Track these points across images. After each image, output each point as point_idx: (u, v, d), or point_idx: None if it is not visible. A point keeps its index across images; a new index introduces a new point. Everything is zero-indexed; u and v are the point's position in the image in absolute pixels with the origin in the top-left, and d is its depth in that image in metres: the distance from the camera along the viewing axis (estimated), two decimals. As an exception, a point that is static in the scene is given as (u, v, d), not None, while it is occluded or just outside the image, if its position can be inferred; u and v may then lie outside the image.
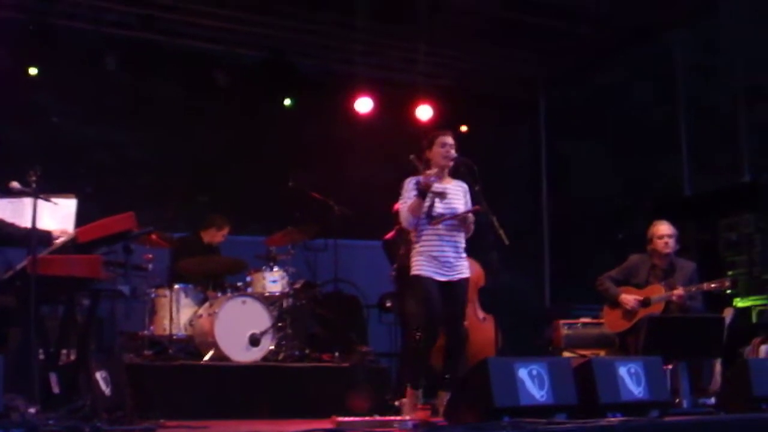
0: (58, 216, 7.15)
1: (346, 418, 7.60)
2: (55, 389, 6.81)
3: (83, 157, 12.54)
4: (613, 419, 7.32)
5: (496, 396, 6.88)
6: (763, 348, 10.07)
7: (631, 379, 7.63)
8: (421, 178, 8.17)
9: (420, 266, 8.23)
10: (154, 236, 10.41)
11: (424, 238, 8.26)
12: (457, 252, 8.31)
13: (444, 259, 8.20)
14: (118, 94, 12.83)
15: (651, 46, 14.51)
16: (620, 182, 15.06)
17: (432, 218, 8.18)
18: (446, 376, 8.35)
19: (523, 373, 7.07)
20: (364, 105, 14.31)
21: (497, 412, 6.83)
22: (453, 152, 8.30)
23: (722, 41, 13.99)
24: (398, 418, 7.82)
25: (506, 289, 12.00)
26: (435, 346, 8.34)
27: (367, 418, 7.87)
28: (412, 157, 8.48)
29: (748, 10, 13.36)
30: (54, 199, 6.96)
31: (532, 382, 7.08)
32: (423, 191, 8.07)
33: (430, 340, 8.20)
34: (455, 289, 8.26)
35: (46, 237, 6.82)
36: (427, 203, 8.14)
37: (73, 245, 6.77)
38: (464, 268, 8.35)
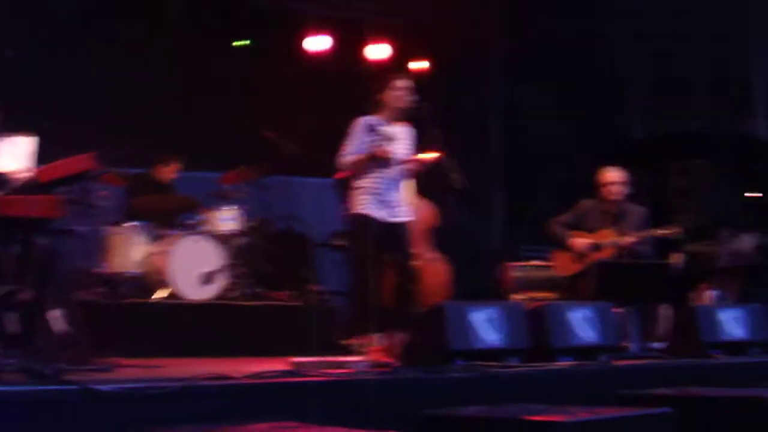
0: (17, 155, 7.13)
1: (303, 359, 7.66)
2: (13, 328, 6.79)
3: (38, 92, 12.41)
4: (564, 363, 7.50)
5: (450, 339, 7.03)
6: (710, 294, 10.27)
7: (582, 323, 7.79)
8: (373, 120, 8.20)
9: (363, 205, 8.26)
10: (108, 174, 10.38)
11: (371, 177, 8.26)
12: (400, 195, 8.37)
13: (388, 201, 8.25)
14: (71, 29, 12.66)
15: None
16: (572, 124, 15.15)
17: (380, 160, 8.18)
18: (399, 316, 8.43)
19: (477, 317, 7.20)
20: (318, 43, 14.24)
21: (451, 355, 6.96)
22: (409, 97, 8.29)
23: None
24: (354, 359, 7.89)
25: (456, 229, 12.10)
26: (387, 287, 8.41)
27: (323, 359, 7.92)
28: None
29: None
30: (13, 138, 6.96)
31: (485, 326, 7.21)
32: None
33: (374, 280, 8.15)
34: (399, 230, 8.33)
35: (3, 180, 6.81)
36: (375, 144, 8.15)
37: (33, 185, 6.78)
38: (407, 211, 8.43)
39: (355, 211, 8.32)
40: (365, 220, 8.21)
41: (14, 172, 6.90)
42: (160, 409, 5.24)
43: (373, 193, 8.22)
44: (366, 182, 8.28)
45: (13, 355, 6.18)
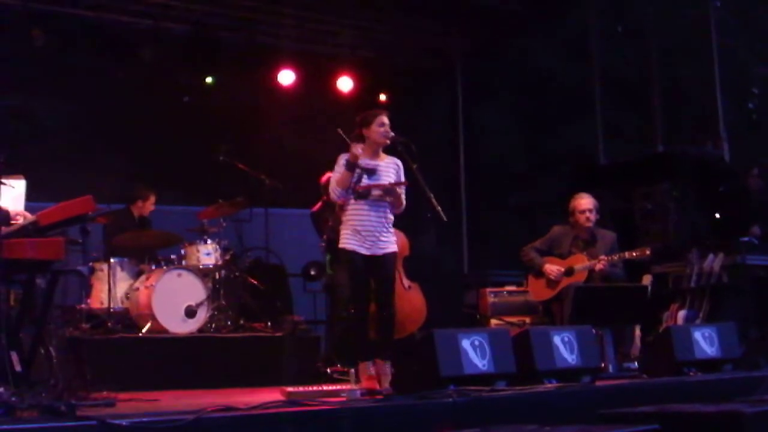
0: (9, 197, 7.31)
1: (296, 389, 7.88)
2: (17, 367, 6.93)
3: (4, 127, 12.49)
4: (549, 385, 7.73)
5: (441, 366, 7.25)
6: (681, 313, 10.53)
7: (564, 347, 8.03)
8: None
9: (345, 239, 8.39)
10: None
11: (350, 211, 8.39)
12: (383, 226, 8.43)
13: (367, 233, 8.32)
14: (44, 67, 12.76)
15: (566, 15, 14.82)
16: (535, 150, 15.36)
17: (357, 193, 8.32)
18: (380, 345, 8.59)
19: (466, 343, 7.44)
20: (286, 77, 14.54)
21: (443, 381, 7.18)
22: (391, 132, 8.51)
23: (635, 9, 14.36)
24: (346, 387, 8.09)
25: (426, 257, 12.29)
26: (369, 317, 8.58)
27: (315, 388, 8.13)
28: (339, 130, 8.74)
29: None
30: (7, 181, 7.14)
31: (474, 352, 7.45)
32: (351, 164, 8.26)
33: (360, 311, 8.39)
34: (381, 264, 8.41)
35: (4, 215, 7.00)
36: (354, 178, 8.30)
37: (33, 228, 6.96)
38: (390, 243, 8.48)
39: (339, 246, 8.50)
40: (348, 254, 8.39)
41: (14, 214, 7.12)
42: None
43: (355, 228, 8.35)
44: (348, 217, 8.43)
45: (23, 392, 6.32)
